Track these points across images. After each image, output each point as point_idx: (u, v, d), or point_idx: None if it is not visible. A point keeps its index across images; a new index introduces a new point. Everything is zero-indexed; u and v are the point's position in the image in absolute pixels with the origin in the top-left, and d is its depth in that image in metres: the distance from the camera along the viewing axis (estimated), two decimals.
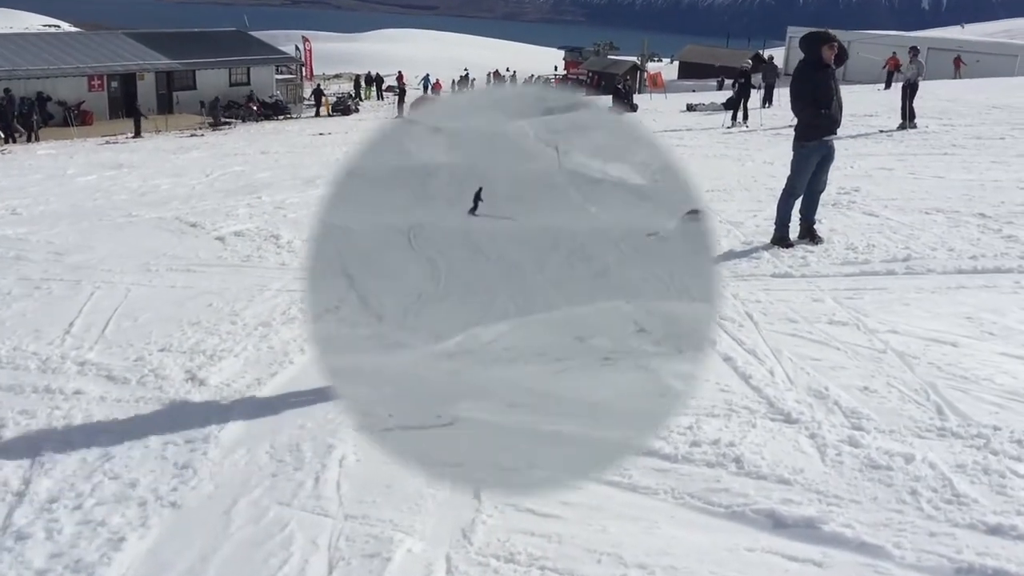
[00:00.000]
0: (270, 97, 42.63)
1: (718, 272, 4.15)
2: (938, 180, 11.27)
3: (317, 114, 42.97)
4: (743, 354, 5.21)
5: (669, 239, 3.39)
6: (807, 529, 3.43)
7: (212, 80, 41.16)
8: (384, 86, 54.88)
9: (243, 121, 38.49)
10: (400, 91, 41.95)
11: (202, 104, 39.39)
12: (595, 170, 3.49)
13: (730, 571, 3.22)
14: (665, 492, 3.73)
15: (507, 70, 46.91)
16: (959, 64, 45.91)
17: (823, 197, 8.39)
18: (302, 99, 46.41)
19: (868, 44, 48.84)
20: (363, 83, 55.33)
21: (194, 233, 9.82)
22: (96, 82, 37.58)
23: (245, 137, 30.14)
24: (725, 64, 56.19)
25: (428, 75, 53.09)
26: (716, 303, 3.50)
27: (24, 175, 17.59)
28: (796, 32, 49.74)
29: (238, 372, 5.29)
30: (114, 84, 38.27)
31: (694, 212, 3.44)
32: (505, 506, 3.59)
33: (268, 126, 37.06)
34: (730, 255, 7.74)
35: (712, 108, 28.25)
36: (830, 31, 8.22)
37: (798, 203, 8.08)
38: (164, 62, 39.91)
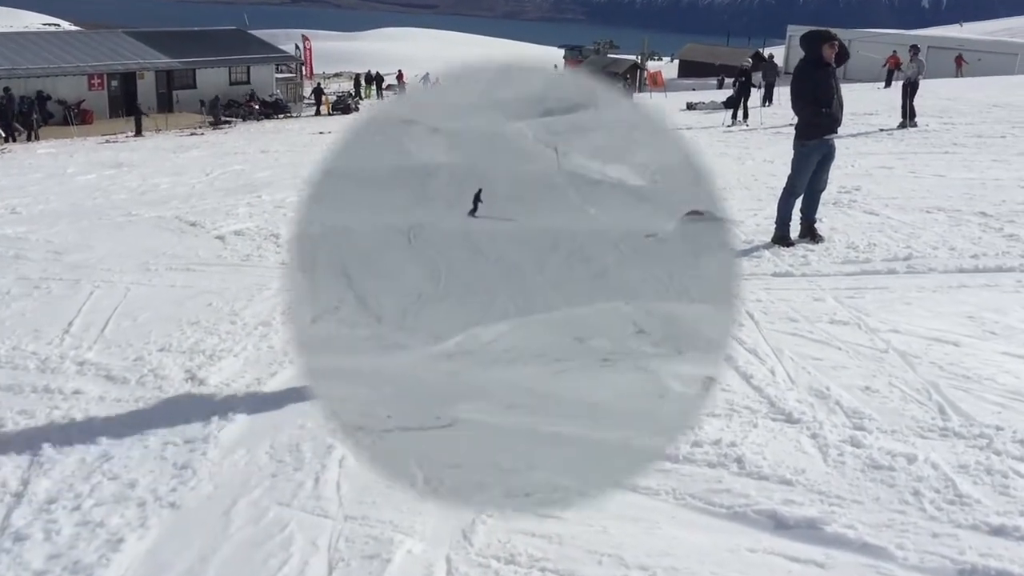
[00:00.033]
0: (270, 96, 42.63)
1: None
2: (939, 179, 11.26)
3: (317, 113, 42.97)
4: (744, 353, 5.19)
5: (668, 240, 3.37)
6: (809, 530, 3.42)
7: (212, 79, 41.15)
8: (384, 85, 54.84)
9: (243, 120, 38.48)
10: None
11: (202, 103, 39.38)
12: (594, 171, 3.48)
13: (732, 572, 3.21)
14: (666, 493, 3.72)
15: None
16: (961, 62, 45.88)
17: (824, 196, 8.37)
18: (302, 98, 46.39)
19: (868, 43, 48.87)
20: (363, 82, 55.28)
21: (194, 232, 9.80)
22: (96, 81, 37.57)
23: (245, 136, 30.12)
24: (725, 63, 56.18)
25: (428, 73, 52.83)
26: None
27: (24, 174, 17.57)
28: (796, 31, 49.71)
29: (238, 372, 5.28)
30: (114, 83, 38.26)
31: (694, 213, 3.43)
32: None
33: (268, 125, 37.04)
34: None
35: (712, 107, 28.26)
36: (831, 30, 8.21)
37: (799, 202, 8.07)
38: (164, 61, 39.90)
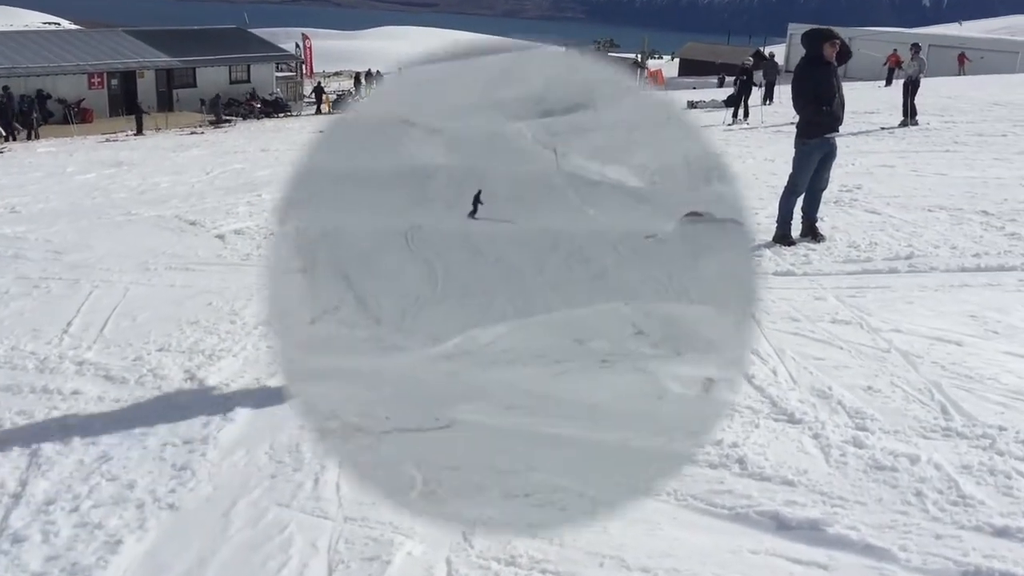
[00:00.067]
0: (270, 95, 42.58)
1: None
2: (940, 177, 11.24)
3: (318, 111, 42.90)
4: None
5: (667, 241, 3.36)
6: (811, 531, 3.40)
7: (212, 78, 41.10)
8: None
9: (243, 119, 38.44)
10: None
11: (202, 102, 39.34)
12: (593, 172, 3.47)
13: (733, 574, 3.19)
14: (668, 493, 3.70)
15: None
16: (963, 60, 45.78)
17: (825, 194, 8.35)
18: (302, 96, 46.34)
19: (869, 41, 48.78)
20: (363, 80, 55.23)
21: (193, 231, 9.78)
22: (96, 80, 37.51)
23: (245, 135, 30.08)
24: (726, 61, 56.09)
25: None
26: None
27: (24, 173, 17.55)
28: (797, 29, 49.62)
29: (237, 372, 5.26)
30: (114, 82, 38.20)
31: (694, 215, 3.42)
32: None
33: (268, 124, 37.00)
34: None
35: (713, 105, 28.21)
36: (833, 28, 8.19)
37: (800, 201, 8.05)
38: (164, 60, 39.84)
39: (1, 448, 4.34)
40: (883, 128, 17.31)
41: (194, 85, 40.67)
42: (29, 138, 31.12)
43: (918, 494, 3.62)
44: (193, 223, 10.21)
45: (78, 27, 61.48)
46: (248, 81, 42.77)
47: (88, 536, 3.52)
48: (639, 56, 60.12)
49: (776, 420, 4.33)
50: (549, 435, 3.17)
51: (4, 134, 29.23)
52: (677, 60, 76.21)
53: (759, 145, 16.36)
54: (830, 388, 4.66)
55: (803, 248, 7.73)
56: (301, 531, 3.50)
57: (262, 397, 4.87)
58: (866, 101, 22.54)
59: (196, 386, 5.07)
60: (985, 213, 8.80)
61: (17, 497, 3.86)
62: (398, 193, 3.44)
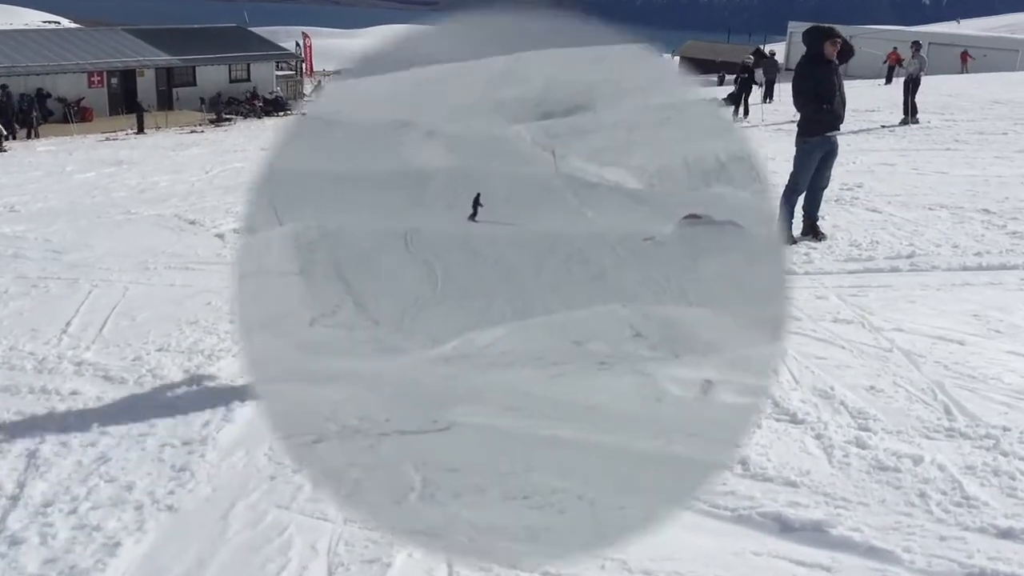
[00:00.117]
0: (270, 93, 42.52)
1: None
2: (941, 176, 11.22)
3: None
4: None
5: (665, 244, 3.35)
6: (815, 533, 3.38)
7: (212, 76, 41.04)
8: None
9: (244, 118, 38.39)
10: None
11: (202, 100, 39.30)
12: (592, 175, 3.46)
13: None
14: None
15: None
16: (966, 58, 45.69)
17: (826, 193, 8.33)
18: (303, 95, 46.27)
19: (869, 39, 48.74)
20: None
21: (193, 231, 9.76)
22: (96, 78, 37.46)
23: (245, 134, 30.05)
24: (726, 59, 56.03)
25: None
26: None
27: (23, 172, 17.54)
28: (797, 27, 49.61)
29: (237, 372, 5.23)
30: (114, 80, 38.15)
31: (692, 216, 3.40)
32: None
33: (268, 122, 36.95)
34: None
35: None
36: (834, 27, 8.17)
37: (801, 199, 8.02)
38: (164, 58, 39.79)
39: None
40: (884, 126, 17.28)
41: (194, 84, 40.62)
42: (29, 137, 31.09)
43: (922, 495, 3.59)
44: (193, 222, 10.19)
45: (78, 26, 61.39)
46: (248, 80, 42.71)
47: (86, 538, 3.50)
48: None
49: (778, 420, 4.31)
50: (548, 437, 3.16)
51: (5, 133, 29.19)
52: (677, 58, 76.20)
53: (759, 143, 16.31)
54: (832, 388, 4.64)
55: (804, 247, 7.71)
56: (301, 533, 3.47)
57: None
58: (866, 99, 22.51)
59: (195, 386, 5.05)
60: (986, 212, 8.78)
61: (15, 499, 3.83)
62: (397, 195, 3.42)
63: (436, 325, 3.22)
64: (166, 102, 38.93)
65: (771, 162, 13.07)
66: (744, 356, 3.28)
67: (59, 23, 67.50)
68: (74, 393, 4.99)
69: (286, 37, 60.17)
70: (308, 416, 3.37)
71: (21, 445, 4.33)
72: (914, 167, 12.01)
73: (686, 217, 3.41)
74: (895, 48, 32.92)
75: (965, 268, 6.91)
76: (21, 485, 3.95)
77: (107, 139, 29.59)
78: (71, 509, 3.72)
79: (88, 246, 8.95)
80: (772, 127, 19.28)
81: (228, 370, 5.26)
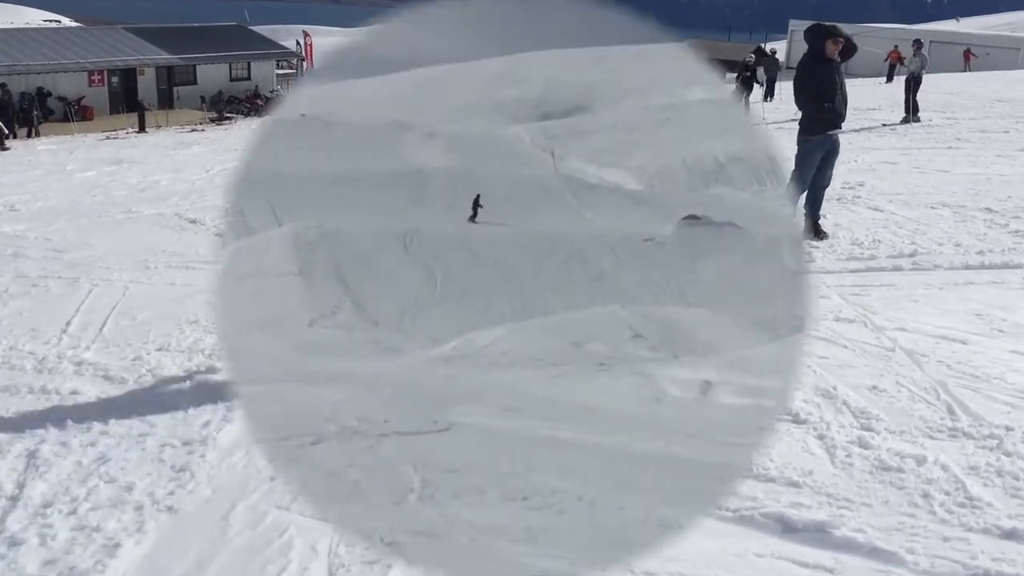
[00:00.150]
0: (271, 92, 42.49)
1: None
2: (943, 174, 11.19)
3: None
4: None
5: (665, 245, 3.34)
6: (817, 534, 3.36)
7: (213, 75, 41.02)
8: None
9: (244, 116, 38.37)
10: None
11: (203, 99, 39.28)
12: (591, 176, 3.44)
13: None
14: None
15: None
16: (969, 57, 45.60)
17: (827, 192, 8.31)
18: None
19: (870, 37, 48.69)
20: None
21: (193, 229, 9.75)
22: (96, 77, 37.44)
23: (246, 132, 30.05)
24: (727, 58, 56.04)
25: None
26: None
27: (23, 171, 17.51)
28: (798, 25, 49.57)
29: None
30: (114, 79, 38.13)
31: (692, 218, 3.39)
32: None
33: None
34: None
35: None
36: (837, 25, 8.15)
37: (802, 198, 8.00)
38: (164, 57, 39.77)
39: None
40: (885, 125, 17.26)
41: (195, 82, 40.59)
42: (29, 136, 31.06)
43: (925, 496, 3.57)
44: (193, 221, 10.18)
45: (78, 24, 61.40)
46: (249, 78, 42.70)
47: (86, 539, 3.48)
48: None
49: (780, 420, 4.28)
50: (547, 438, 3.14)
51: (7, 132, 29.17)
52: None
53: None
54: (835, 387, 4.62)
55: (806, 246, 7.68)
56: (301, 534, 3.45)
57: None
58: (868, 97, 22.48)
59: (196, 386, 5.03)
60: (989, 210, 8.76)
61: (14, 499, 3.82)
62: (397, 195, 3.41)
63: (436, 326, 3.21)
64: (167, 101, 38.90)
65: None
66: (746, 357, 3.27)
67: (59, 22, 67.47)
68: (74, 393, 4.98)
69: (287, 36, 60.12)
70: (307, 417, 3.36)
71: (21, 445, 4.31)
72: (916, 165, 11.99)
73: (685, 218, 3.40)
74: (896, 46, 32.89)
75: (968, 267, 6.89)
76: (21, 485, 3.94)
77: (107, 138, 29.55)
78: (71, 510, 3.70)
79: (88, 245, 8.94)
80: (773, 126, 19.25)
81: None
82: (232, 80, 42.03)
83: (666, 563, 3.21)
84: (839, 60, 7.85)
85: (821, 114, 7.77)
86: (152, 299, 6.83)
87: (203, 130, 32.42)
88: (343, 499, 3.70)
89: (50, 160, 20.26)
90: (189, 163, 17.97)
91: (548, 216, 3.40)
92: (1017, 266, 6.85)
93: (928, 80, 19.84)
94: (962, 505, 3.50)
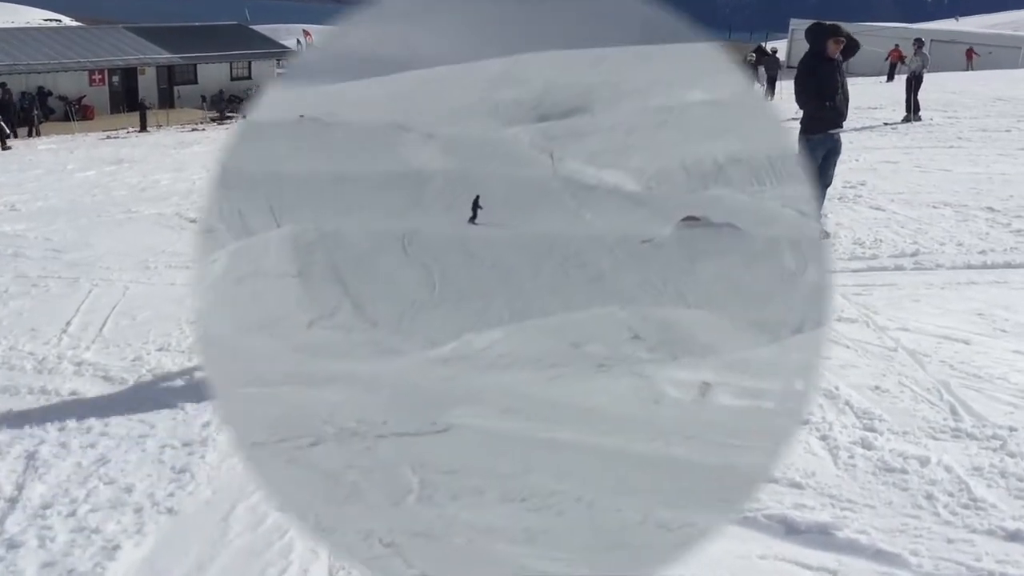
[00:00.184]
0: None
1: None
2: (944, 173, 11.17)
3: None
4: None
5: (664, 246, 3.33)
6: (821, 535, 3.35)
7: (213, 74, 41.04)
8: None
9: (244, 116, 38.36)
10: None
11: (203, 98, 39.27)
12: (590, 176, 3.43)
13: None
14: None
15: None
16: (971, 56, 45.54)
17: (829, 191, 8.28)
18: None
19: (870, 36, 48.65)
20: None
21: (194, 229, 9.72)
22: (97, 76, 37.45)
23: None
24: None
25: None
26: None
27: (23, 170, 17.49)
28: (799, 24, 49.51)
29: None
30: (115, 78, 38.14)
31: (690, 219, 3.37)
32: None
33: None
34: None
35: None
36: (838, 24, 8.12)
37: None
38: (165, 56, 39.78)
39: None
40: (886, 124, 17.23)
41: (195, 82, 40.61)
42: (30, 135, 31.05)
43: (929, 497, 3.56)
44: (194, 220, 10.15)
45: (79, 24, 61.42)
46: (249, 78, 42.69)
47: (85, 541, 3.47)
48: None
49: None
50: (546, 439, 3.13)
51: (8, 132, 29.15)
52: None
53: None
54: (837, 388, 4.60)
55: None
56: (301, 536, 3.44)
57: None
58: (869, 97, 22.45)
59: (196, 387, 5.01)
60: (991, 209, 8.74)
61: (13, 501, 3.80)
62: (395, 196, 3.39)
63: (434, 327, 3.19)
64: (167, 100, 38.91)
65: None
66: (743, 359, 3.25)
67: (60, 21, 67.54)
68: (74, 394, 4.97)
69: (287, 35, 60.11)
70: (305, 419, 3.34)
71: (20, 446, 4.30)
72: (917, 165, 11.96)
73: (684, 219, 3.38)
74: (897, 45, 32.83)
75: (970, 266, 6.87)
76: (20, 487, 3.92)
77: (108, 137, 29.53)
78: (70, 511, 3.69)
79: (88, 245, 8.93)
80: None
81: None
82: (233, 79, 42.04)
83: (668, 565, 3.19)
84: (841, 59, 7.82)
85: (822, 113, 7.74)
86: (152, 299, 6.81)
87: (204, 129, 32.40)
88: (341, 500, 3.69)
89: (50, 160, 20.24)
90: (190, 162, 17.94)
91: (547, 218, 3.38)
92: (1019, 265, 6.83)
93: (929, 79, 19.81)
94: (966, 507, 3.48)
